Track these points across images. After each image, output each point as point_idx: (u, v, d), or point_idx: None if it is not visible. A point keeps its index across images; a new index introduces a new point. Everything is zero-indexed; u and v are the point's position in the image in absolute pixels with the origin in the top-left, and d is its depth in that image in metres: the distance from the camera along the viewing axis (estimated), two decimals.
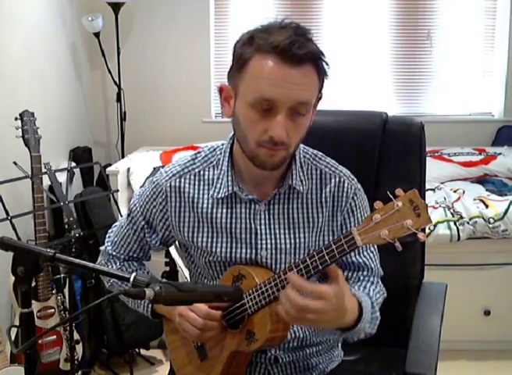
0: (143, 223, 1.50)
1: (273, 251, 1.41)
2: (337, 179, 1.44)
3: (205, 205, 1.43)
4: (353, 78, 3.99)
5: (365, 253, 1.46)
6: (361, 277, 1.46)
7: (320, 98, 1.35)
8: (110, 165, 3.43)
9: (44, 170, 2.51)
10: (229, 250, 1.42)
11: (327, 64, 1.30)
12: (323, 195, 1.43)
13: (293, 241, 1.41)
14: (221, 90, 1.37)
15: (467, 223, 2.89)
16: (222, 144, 1.46)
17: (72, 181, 3.09)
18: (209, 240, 1.43)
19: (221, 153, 1.44)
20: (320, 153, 1.48)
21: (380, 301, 1.45)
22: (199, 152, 1.48)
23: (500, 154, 3.58)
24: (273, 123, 1.26)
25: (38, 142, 2.45)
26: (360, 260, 1.45)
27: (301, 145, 1.43)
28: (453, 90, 4.04)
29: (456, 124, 3.99)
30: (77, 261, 1.22)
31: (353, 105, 3.91)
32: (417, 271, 1.75)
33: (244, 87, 1.29)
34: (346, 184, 1.44)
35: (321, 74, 1.29)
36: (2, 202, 2.31)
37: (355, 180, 1.47)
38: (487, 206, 2.95)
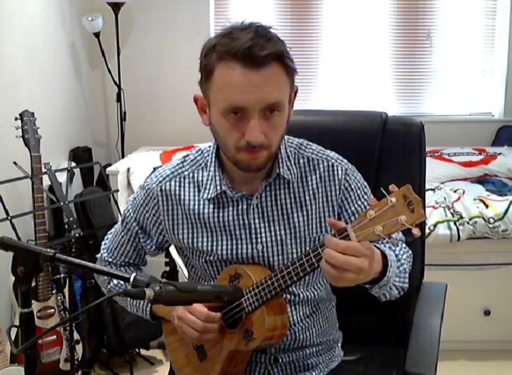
0: (137, 228, 1.50)
1: (269, 243, 1.41)
2: (325, 163, 1.44)
3: (197, 207, 1.43)
4: (353, 78, 3.99)
5: None
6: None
7: (296, 91, 1.35)
8: (110, 165, 3.43)
9: (44, 170, 2.51)
10: (229, 247, 1.42)
11: (291, 60, 1.29)
12: (314, 182, 1.43)
13: (287, 231, 1.42)
14: (196, 100, 1.37)
15: (467, 223, 2.89)
16: (210, 146, 1.47)
17: (72, 181, 3.09)
18: (208, 240, 1.43)
19: (208, 155, 1.45)
20: (305, 141, 1.48)
21: (406, 257, 1.44)
22: (187, 155, 1.49)
23: (500, 154, 3.57)
24: (248, 128, 1.27)
25: (38, 142, 2.45)
26: None
27: (285, 137, 1.43)
28: (453, 90, 4.03)
29: (456, 124, 3.99)
30: (77, 261, 1.23)
31: (353, 105, 3.91)
32: (417, 271, 1.75)
33: (214, 97, 1.30)
34: (335, 167, 1.44)
35: (289, 70, 1.29)
36: (2, 202, 2.31)
37: (345, 161, 1.46)
38: (487, 206, 2.95)
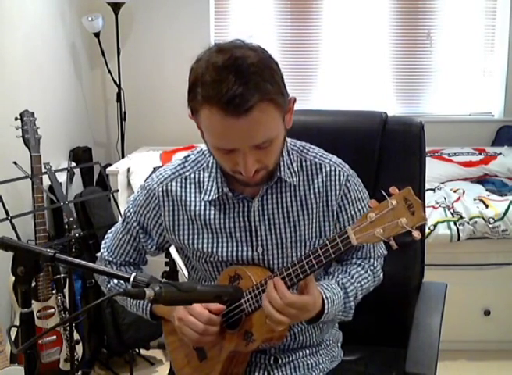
0: (137, 228, 1.50)
1: (269, 246, 1.41)
2: (328, 168, 1.44)
3: (198, 208, 1.43)
4: (353, 78, 3.98)
5: None
6: (354, 261, 1.49)
7: (294, 101, 1.33)
8: (110, 165, 3.43)
9: (44, 170, 2.51)
10: (230, 249, 1.42)
11: (279, 85, 1.24)
12: (315, 186, 1.43)
13: (288, 235, 1.42)
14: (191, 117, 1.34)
15: (467, 223, 2.89)
16: None
17: (72, 181, 3.09)
18: (209, 241, 1.43)
19: (210, 155, 1.45)
20: (308, 144, 1.48)
21: (367, 286, 1.47)
22: (188, 156, 1.49)
23: (500, 154, 3.57)
24: (239, 160, 1.27)
25: (38, 142, 2.45)
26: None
27: (288, 139, 1.43)
28: (453, 90, 4.03)
29: (456, 124, 3.99)
30: (77, 261, 1.23)
31: (353, 105, 3.91)
32: (417, 271, 1.75)
33: (203, 130, 1.30)
34: (337, 172, 1.44)
35: (277, 100, 1.24)
36: (2, 202, 2.31)
37: (346, 166, 1.47)
38: (487, 206, 2.95)
